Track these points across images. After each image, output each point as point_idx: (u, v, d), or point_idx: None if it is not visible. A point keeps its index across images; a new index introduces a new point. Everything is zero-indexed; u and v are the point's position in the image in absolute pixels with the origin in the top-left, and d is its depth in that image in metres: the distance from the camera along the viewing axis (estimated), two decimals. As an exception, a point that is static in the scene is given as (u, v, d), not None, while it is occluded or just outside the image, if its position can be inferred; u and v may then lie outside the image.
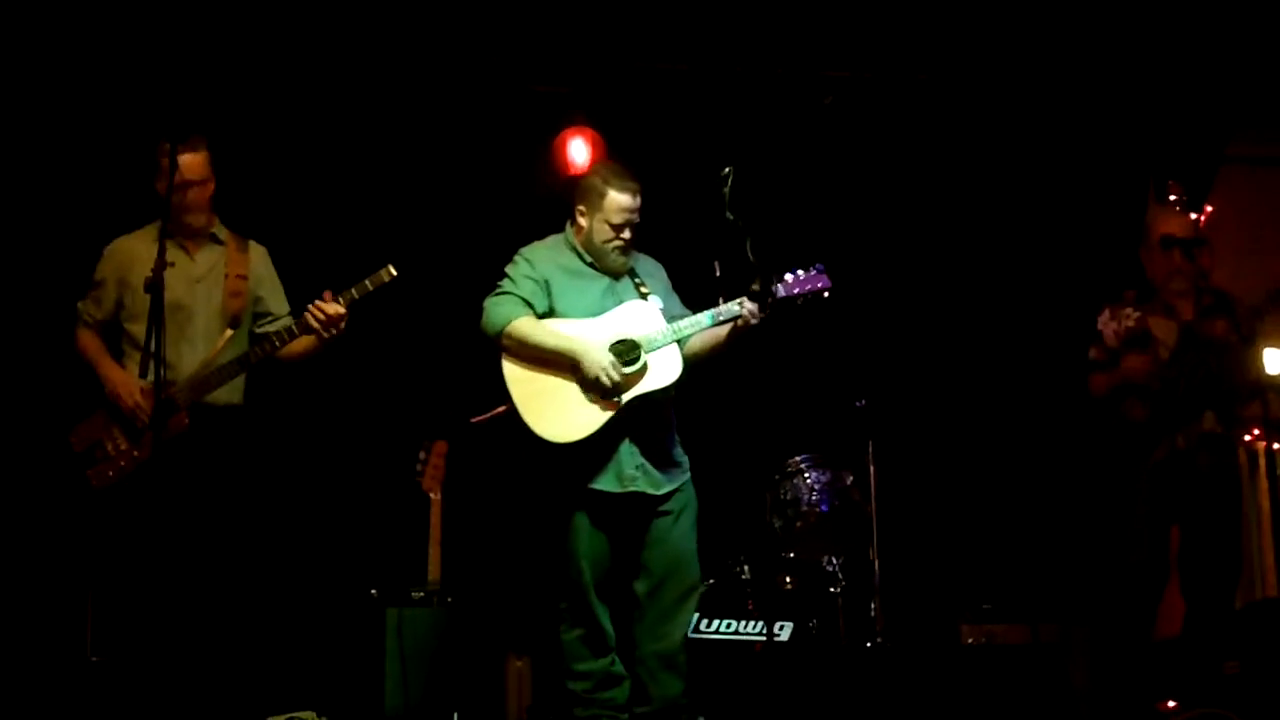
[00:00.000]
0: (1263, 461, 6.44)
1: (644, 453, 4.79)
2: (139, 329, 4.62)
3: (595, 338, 4.75)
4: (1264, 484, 6.48)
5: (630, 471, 4.76)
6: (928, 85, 6.88)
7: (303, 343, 4.81)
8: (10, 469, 5.72)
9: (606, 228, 4.83)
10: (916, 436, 6.86)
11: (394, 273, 4.70)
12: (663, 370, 4.76)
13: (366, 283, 4.70)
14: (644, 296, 4.86)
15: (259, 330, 4.92)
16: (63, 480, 4.65)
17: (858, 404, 6.35)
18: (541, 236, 5.06)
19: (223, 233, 4.91)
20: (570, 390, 4.73)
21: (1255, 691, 5.00)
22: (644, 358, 4.74)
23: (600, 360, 4.69)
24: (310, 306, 4.69)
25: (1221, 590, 5.25)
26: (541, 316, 4.82)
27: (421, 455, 5.64)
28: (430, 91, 6.68)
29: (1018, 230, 7.03)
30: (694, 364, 4.88)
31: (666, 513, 4.84)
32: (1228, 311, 5.27)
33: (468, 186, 6.80)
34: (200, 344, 4.75)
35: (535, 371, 4.76)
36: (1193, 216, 5.37)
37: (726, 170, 4.67)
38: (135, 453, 4.61)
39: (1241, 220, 6.72)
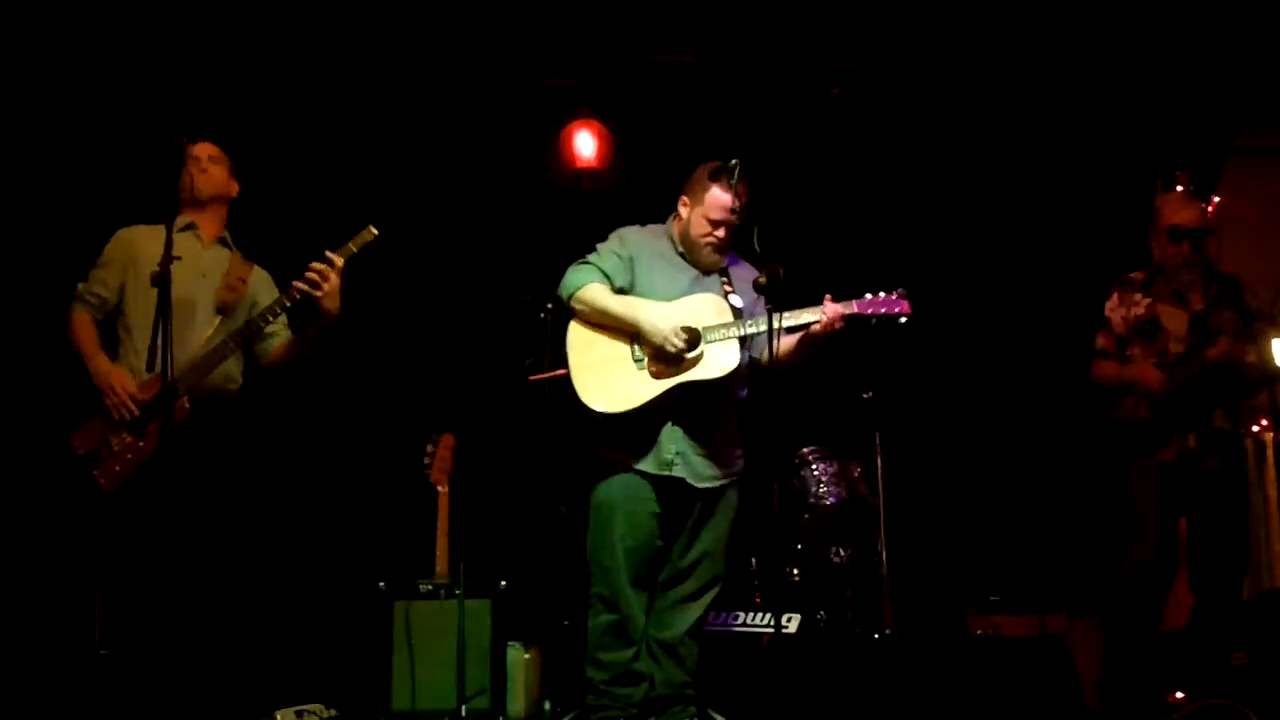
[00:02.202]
0: (1270, 452, 6.42)
1: (686, 441, 4.79)
2: (141, 320, 4.64)
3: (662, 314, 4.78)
4: (1271, 474, 6.47)
5: (668, 456, 4.76)
6: (934, 76, 6.86)
7: (285, 340, 4.84)
8: (17, 463, 5.72)
9: (704, 222, 4.84)
10: (924, 428, 6.86)
11: (375, 232, 4.66)
12: (717, 363, 4.76)
13: (350, 245, 4.67)
14: (726, 295, 4.87)
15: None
16: (70, 477, 4.64)
17: (865, 396, 6.36)
18: (550, 229, 5.07)
19: (229, 242, 4.94)
20: (624, 362, 4.78)
21: (1262, 682, 4.99)
22: (703, 347, 4.75)
23: (664, 329, 4.71)
24: (311, 268, 4.64)
25: (1229, 583, 5.24)
26: (619, 292, 4.84)
27: (429, 448, 5.64)
28: (437, 84, 6.69)
29: (1024, 222, 7.03)
30: (768, 372, 4.86)
31: (705, 508, 4.85)
32: (1236, 299, 5.24)
33: (475, 179, 6.80)
34: (199, 335, 4.77)
35: (597, 337, 4.81)
36: (1201, 207, 5.34)
37: (733, 162, 4.67)
38: (140, 444, 4.61)
39: (1250, 211, 6.71)
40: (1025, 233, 7.02)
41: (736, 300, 4.85)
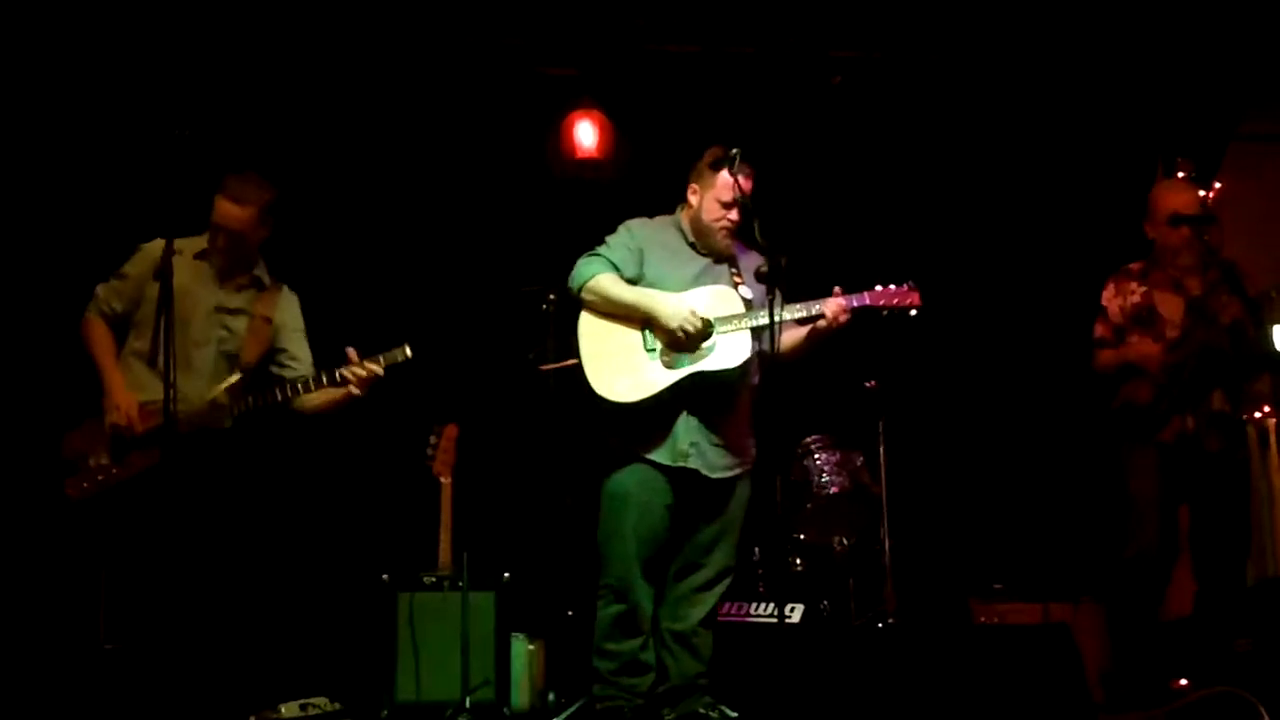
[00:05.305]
0: (1273, 438, 6.42)
1: (701, 432, 4.78)
2: (147, 340, 4.66)
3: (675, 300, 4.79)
4: (1274, 460, 6.46)
5: (684, 447, 4.75)
6: (936, 65, 6.85)
7: (320, 397, 4.83)
8: (23, 457, 5.72)
9: (716, 205, 4.83)
10: (927, 417, 6.85)
11: (409, 353, 4.75)
12: (729, 353, 4.75)
13: (380, 359, 4.73)
14: (736, 286, 4.86)
15: (274, 370, 4.91)
16: (46, 484, 4.68)
17: (868, 385, 6.35)
18: (552, 219, 5.06)
19: (266, 278, 4.91)
20: (637, 352, 4.76)
21: (1267, 669, 4.99)
22: (715, 337, 4.75)
23: (679, 311, 4.70)
24: (344, 369, 4.71)
25: (1232, 569, 5.24)
26: (629, 283, 4.83)
27: (432, 439, 5.64)
28: (438, 75, 6.68)
29: (1026, 210, 7.02)
30: (779, 364, 4.86)
31: (718, 498, 4.84)
32: (1236, 284, 5.23)
33: (475, 170, 6.80)
34: (205, 379, 4.74)
35: (609, 326, 4.79)
36: (1201, 193, 5.33)
37: (734, 151, 4.66)
38: (115, 469, 4.62)
39: (1252, 197, 6.70)
40: (1027, 221, 7.01)
41: (746, 291, 4.85)
